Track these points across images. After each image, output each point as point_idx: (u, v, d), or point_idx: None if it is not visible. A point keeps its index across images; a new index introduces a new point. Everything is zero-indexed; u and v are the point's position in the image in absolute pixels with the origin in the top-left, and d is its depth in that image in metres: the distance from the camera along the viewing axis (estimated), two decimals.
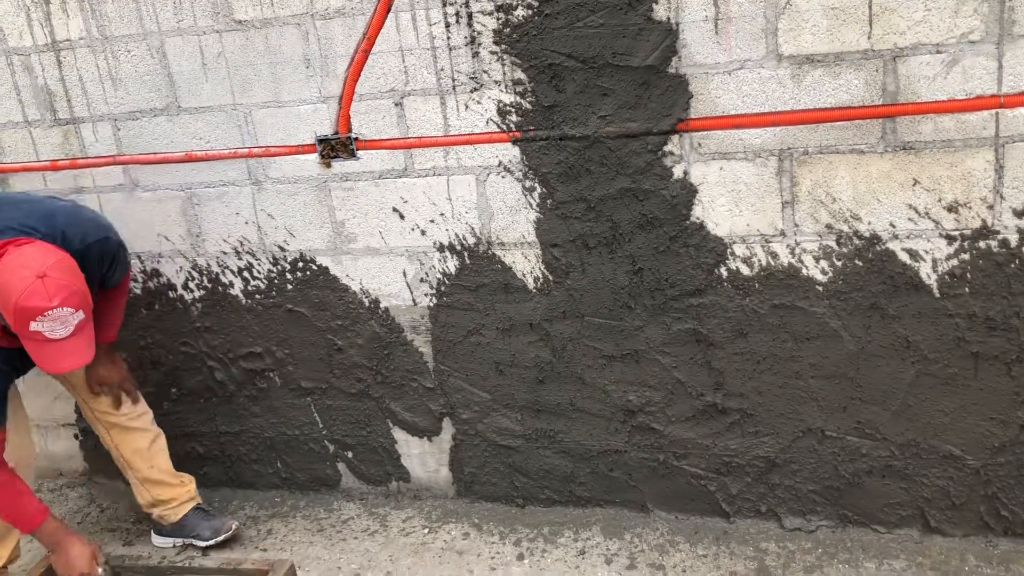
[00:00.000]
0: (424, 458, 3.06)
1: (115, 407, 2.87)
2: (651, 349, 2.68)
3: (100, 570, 2.64)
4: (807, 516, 2.72)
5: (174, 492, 2.97)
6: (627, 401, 2.76)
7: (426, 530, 2.97)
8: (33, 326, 2.20)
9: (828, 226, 2.43)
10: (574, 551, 2.78)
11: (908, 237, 2.38)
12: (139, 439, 2.92)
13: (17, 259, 2.24)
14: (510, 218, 2.67)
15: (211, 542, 2.94)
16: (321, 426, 3.11)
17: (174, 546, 3.00)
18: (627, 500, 2.90)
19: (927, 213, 2.34)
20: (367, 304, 2.90)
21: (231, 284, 3.01)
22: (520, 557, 2.79)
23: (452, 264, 2.78)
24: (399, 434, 3.05)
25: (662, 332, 2.65)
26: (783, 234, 2.47)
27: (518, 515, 2.98)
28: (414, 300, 2.85)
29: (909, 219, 2.36)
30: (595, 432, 2.84)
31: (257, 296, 3.00)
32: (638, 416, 2.77)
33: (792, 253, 2.48)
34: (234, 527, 2.96)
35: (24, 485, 2.57)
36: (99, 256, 2.54)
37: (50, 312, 2.20)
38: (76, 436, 3.43)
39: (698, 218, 2.51)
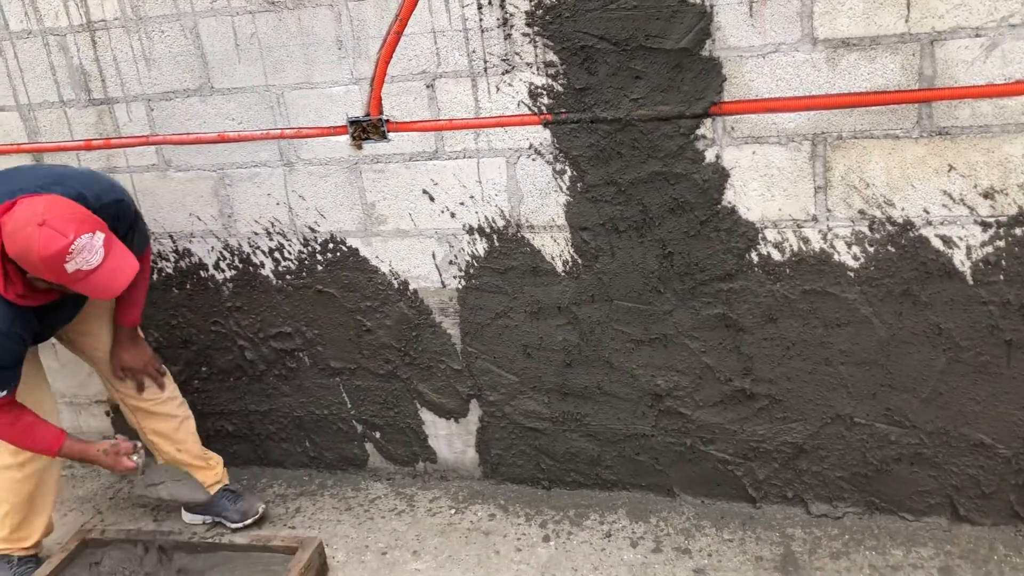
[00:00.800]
0: (451, 439, 3.08)
1: (138, 391, 2.89)
2: (680, 333, 2.68)
3: (135, 457, 2.69)
4: (834, 503, 2.72)
5: (202, 475, 2.99)
6: (655, 385, 2.77)
7: (452, 511, 3.00)
8: (69, 267, 2.22)
9: (861, 212, 2.41)
10: (600, 533, 2.79)
11: (942, 223, 2.36)
12: (163, 423, 2.94)
13: (16, 221, 2.24)
14: (540, 201, 2.67)
15: (239, 524, 2.97)
16: (349, 406, 3.14)
17: (203, 523, 3.04)
18: (653, 484, 2.91)
19: (962, 199, 2.32)
20: (396, 286, 2.92)
21: (262, 264, 3.04)
22: (546, 539, 2.81)
23: (481, 247, 2.79)
24: (426, 415, 3.07)
25: (691, 316, 2.65)
26: (815, 219, 2.46)
27: (544, 497, 3.00)
28: (443, 282, 2.87)
29: (943, 205, 2.34)
30: (622, 416, 2.84)
31: (287, 276, 3.03)
32: (666, 400, 2.77)
33: (824, 238, 2.47)
34: (261, 509, 2.99)
35: (32, 416, 2.55)
36: (115, 216, 2.52)
37: (73, 246, 2.21)
38: (107, 413, 3.48)
39: (730, 202, 2.50)
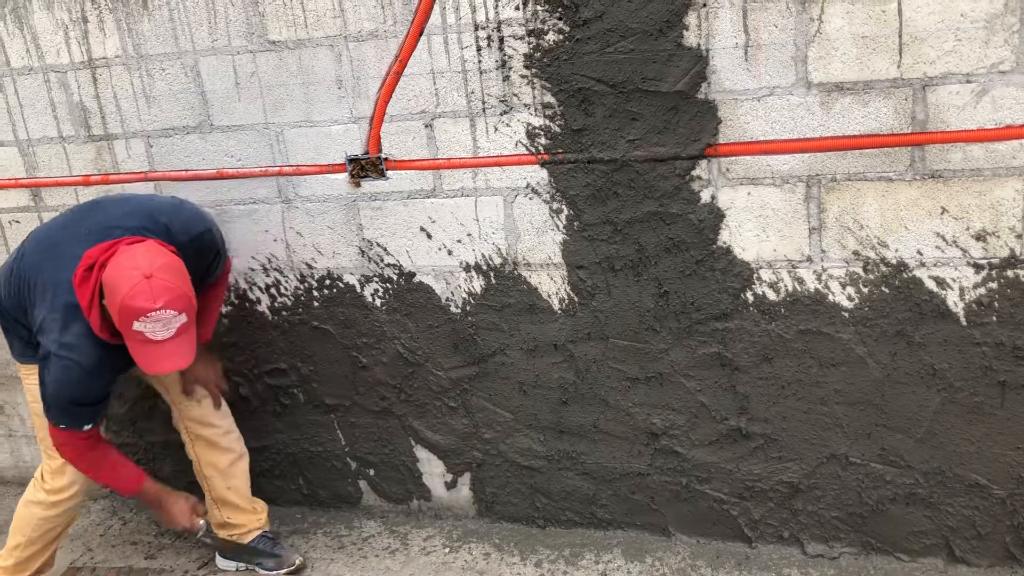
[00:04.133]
0: (445, 477, 3.06)
1: (196, 404, 2.82)
2: (676, 372, 2.69)
3: (200, 521, 2.74)
4: (830, 543, 2.71)
5: (245, 518, 2.94)
6: (651, 424, 2.77)
7: (447, 549, 2.98)
8: (136, 326, 2.23)
9: (855, 252, 2.43)
10: (596, 573, 2.78)
11: (935, 265, 2.38)
12: (221, 457, 2.88)
13: (128, 259, 2.27)
14: (537, 239, 2.69)
15: (272, 574, 2.92)
16: (344, 443, 3.13)
17: (236, 570, 2.98)
18: (649, 523, 2.89)
19: (955, 241, 2.35)
20: (392, 322, 2.92)
21: (258, 300, 3.04)
22: None
23: (478, 284, 2.80)
24: (421, 452, 3.06)
25: (687, 355, 2.66)
26: (810, 260, 2.48)
27: (539, 536, 2.98)
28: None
29: (936, 247, 2.37)
30: (618, 454, 2.84)
31: (283, 313, 3.03)
32: (661, 439, 2.77)
33: (819, 279, 2.49)
34: (298, 562, 2.93)
35: (119, 456, 2.62)
36: (201, 249, 2.56)
37: (153, 313, 2.22)
38: None
39: (725, 242, 2.53)
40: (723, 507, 2.79)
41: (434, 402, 2.98)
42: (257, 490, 3.23)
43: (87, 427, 2.45)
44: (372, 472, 3.15)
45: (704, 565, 2.75)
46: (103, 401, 2.47)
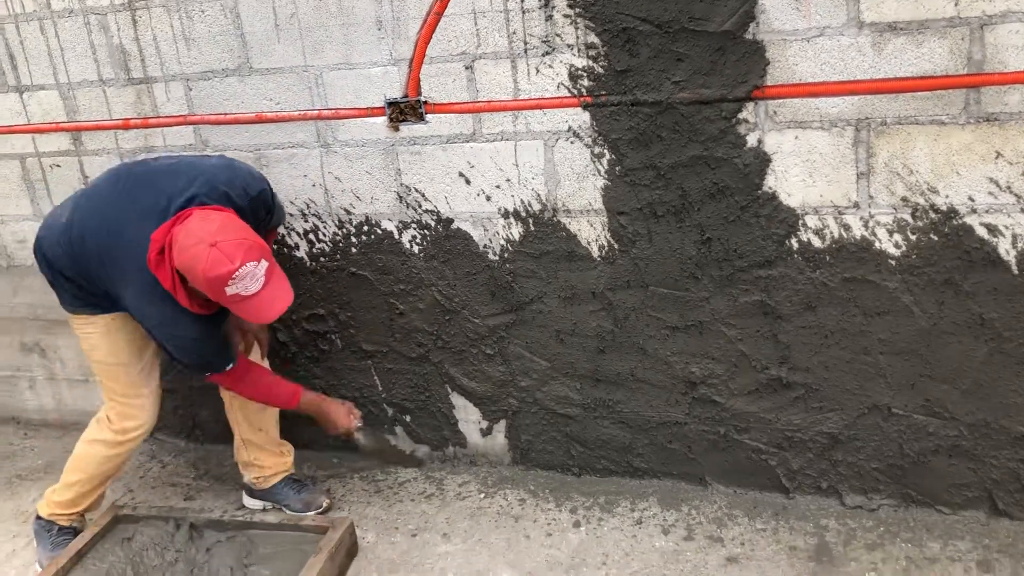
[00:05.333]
0: (481, 424, 3.07)
1: (247, 352, 2.84)
2: (716, 321, 2.66)
3: (356, 421, 2.86)
4: (869, 494, 2.69)
5: (272, 460, 2.97)
6: (689, 373, 2.75)
7: (482, 495, 2.99)
8: (229, 291, 2.28)
9: (904, 199, 2.38)
10: (631, 521, 2.78)
11: (987, 212, 2.32)
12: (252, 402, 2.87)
13: (186, 237, 2.31)
14: (577, 185, 2.66)
15: (301, 515, 2.93)
16: (381, 389, 3.14)
17: (264, 508, 3.02)
18: (685, 473, 2.89)
19: (1008, 187, 2.29)
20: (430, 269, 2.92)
21: (296, 246, 3.04)
22: (576, 524, 2.79)
23: (516, 231, 2.78)
24: (457, 399, 3.07)
25: (728, 304, 2.63)
26: (857, 206, 2.43)
27: (574, 484, 2.98)
28: None
29: (989, 193, 2.31)
30: (655, 403, 2.83)
31: (322, 259, 3.03)
32: (700, 388, 2.75)
33: (865, 226, 2.44)
34: (326, 503, 2.96)
35: (270, 374, 2.75)
36: (259, 207, 2.59)
37: (237, 273, 2.26)
38: None
39: (770, 188, 2.48)
40: (761, 457, 2.77)
41: (471, 349, 2.98)
42: (294, 435, 3.26)
43: (229, 366, 2.56)
44: (408, 418, 3.17)
45: (741, 515, 2.74)
46: (224, 349, 2.56)
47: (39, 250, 2.61)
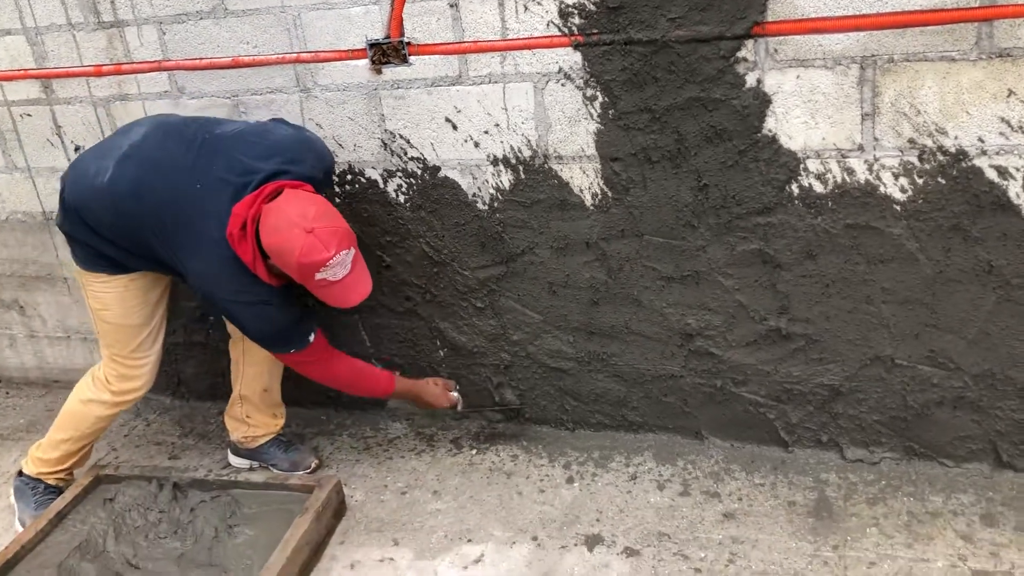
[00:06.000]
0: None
1: None
2: (713, 270, 2.56)
3: (455, 394, 2.85)
4: (870, 447, 2.62)
5: (264, 421, 2.89)
6: (685, 324, 2.66)
7: (474, 451, 2.92)
8: (318, 276, 2.28)
9: (910, 140, 2.27)
10: (625, 476, 2.71)
11: (998, 153, 2.22)
12: (264, 360, 2.78)
13: (281, 219, 2.25)
14: (569, 129, 2.54)
15: (288, 473, 2.87)
16: (369, 344, 3.05)
17: (250, 467, 2.96)
18: (681, 427, 2.81)
19: (1021, 127, 2.18)
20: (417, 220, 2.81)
21: None
22: (570, 480, 2.73)
23: (506, 179, 2.67)
24: (447, 354, 2.98)
25: (726, 253, 2.53)
26: (861, 148, 2.32)
27: (568, 439, 2.91)
28: None
29: (1000, 133, 2.20)
30: (650, 356, 2.74)
31: None
32: (696, 340, 2.67)
33: (870, 169, 2.33)
34: (314, 464, 2.90)
35: (361, 363, 2.72)
36: (329, 179, 2.63)
37: (331, 261, 2.26)
38: None
39: (770, 130, 2.37)
40: (759, 410, 2.69)
41: (460, 303, 2.89)
42: (282, 391, 3.18)
43: (311, 337, 2.51)
44: (398, 374, 3.08)
45: (738, 469, 2.68)
46: (304, 319, 2.51)
47: (67, 205, 2.47)
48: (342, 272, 2.30)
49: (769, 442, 2.73)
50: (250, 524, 2.60)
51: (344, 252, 2.29)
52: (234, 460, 3.00)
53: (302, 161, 2.43)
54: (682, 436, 2.82)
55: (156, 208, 2.37)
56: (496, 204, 2.71)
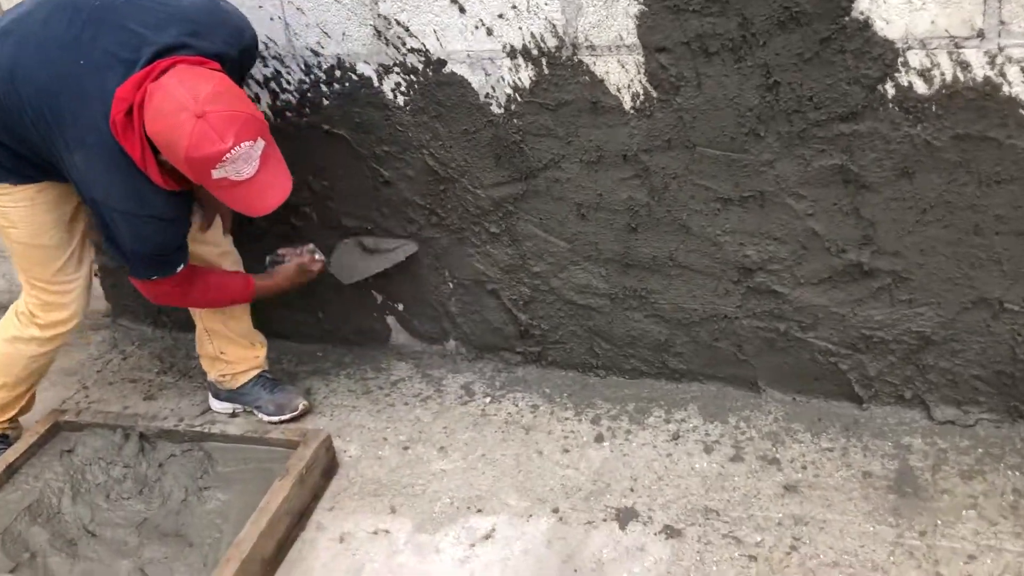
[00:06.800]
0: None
1: (203, 230, 2.37)
2: (781, 191, 2.08)
3: (317, 255, 2.47)
4: (964, 407, 2.17)
5: (240, 354, 2.54)
6: (743, 256, 2.20)
7: (487, 399, 2.52)
8: (215, 174, 1.87)
9: None
10: (665, 435, 2.29)
11: None
12: None
13: (167, 100, 1.82)
14: (604, 12, 2.03)
15: (274, 419, 2.52)
16: None
17: (233, 413, 2.61)
18: (733, 376, 2.38)
19: None
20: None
21: (256, 98, 2.47)
22: (599, 438, 2.32)
23: (526, 75, 2.18)
24: (457, 287, 2.55)
25: (798, 169, 2.04)
26: (981, 36, 1.80)
27: (597, 387, 2.50)
28: None
29: None
30: (699, 293, 2.29)
31: (288, 114, 2.46)
32: (756, 275, 2.21)
33: (992, 63, 1.81)
34: (302, 406, 2.54)
35: (215, 272, 2.35)
36: (248, 59, 2.15)
37: (228, 155, 1.84)
38: (96, 273, 3.01)
39: (862, 13, 1.84)
40: (830, 360, 2.25)
41: (472, 227, 2.44)
42: (268, 324, 2.78)
43: (180, 267, 2.15)
44: (401, 307, 2.67)
45: (802, 430, 2.24)
46: (184, 243, 2.14)
47: None
48: (247, 170, 1.88)
49: (840, 397, 2.29)
50: (224, 486, 2.24)
51: (247, 144, 1.85)
52: (215, 404, 2.63)
53: (210, 33, 1.97)
54: (734, 387, 2.39)
55: (34, 96, 1.93)
56: (513, 107, 2.23)
